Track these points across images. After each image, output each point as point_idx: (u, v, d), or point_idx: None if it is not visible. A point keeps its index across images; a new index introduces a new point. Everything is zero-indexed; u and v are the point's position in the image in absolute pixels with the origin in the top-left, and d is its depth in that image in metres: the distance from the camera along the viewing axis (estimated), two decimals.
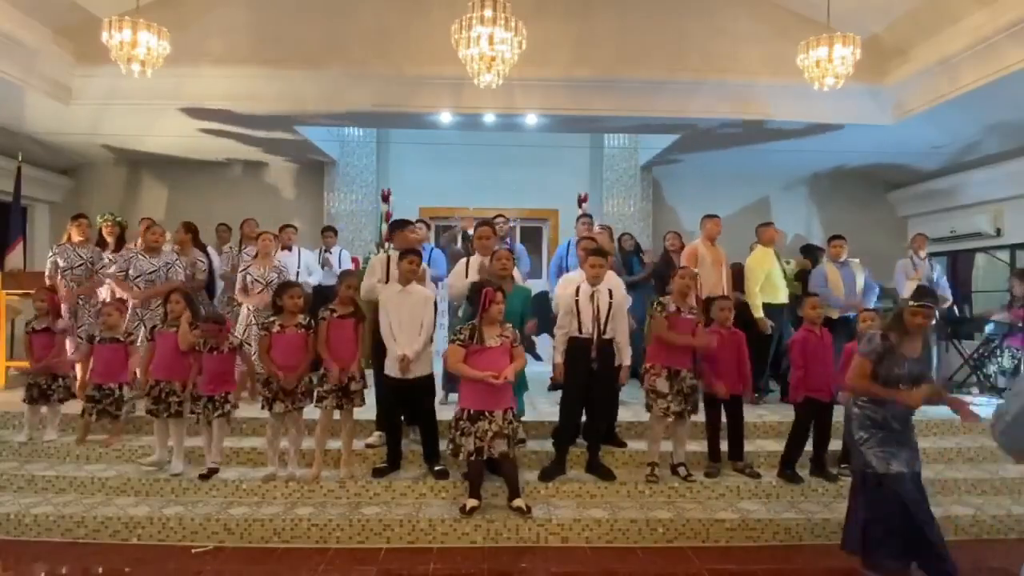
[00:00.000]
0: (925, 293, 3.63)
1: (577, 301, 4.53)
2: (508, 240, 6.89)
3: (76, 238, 6.12)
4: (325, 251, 7.57)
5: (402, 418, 4.66)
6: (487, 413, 4.05)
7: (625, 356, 4.66)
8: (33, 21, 5.68)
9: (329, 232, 7.78)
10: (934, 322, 3.57)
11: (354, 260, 8.07)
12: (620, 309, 4.64)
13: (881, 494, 3.49)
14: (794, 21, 6.29)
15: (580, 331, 4.51)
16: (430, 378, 4.58)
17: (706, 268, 6.02)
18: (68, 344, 5.37)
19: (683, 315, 4.59)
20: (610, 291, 4.57)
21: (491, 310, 4.13)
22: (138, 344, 5.20)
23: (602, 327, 4.50)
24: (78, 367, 5.37)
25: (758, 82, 6.45)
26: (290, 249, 6.83)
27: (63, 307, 5.51)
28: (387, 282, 4.84)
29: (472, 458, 4.09)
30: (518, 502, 4.17)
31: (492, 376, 4.01)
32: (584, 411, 4.67)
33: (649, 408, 4.59)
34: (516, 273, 5.06)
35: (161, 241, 5.95)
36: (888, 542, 3.45)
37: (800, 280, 6.72)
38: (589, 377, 4.49)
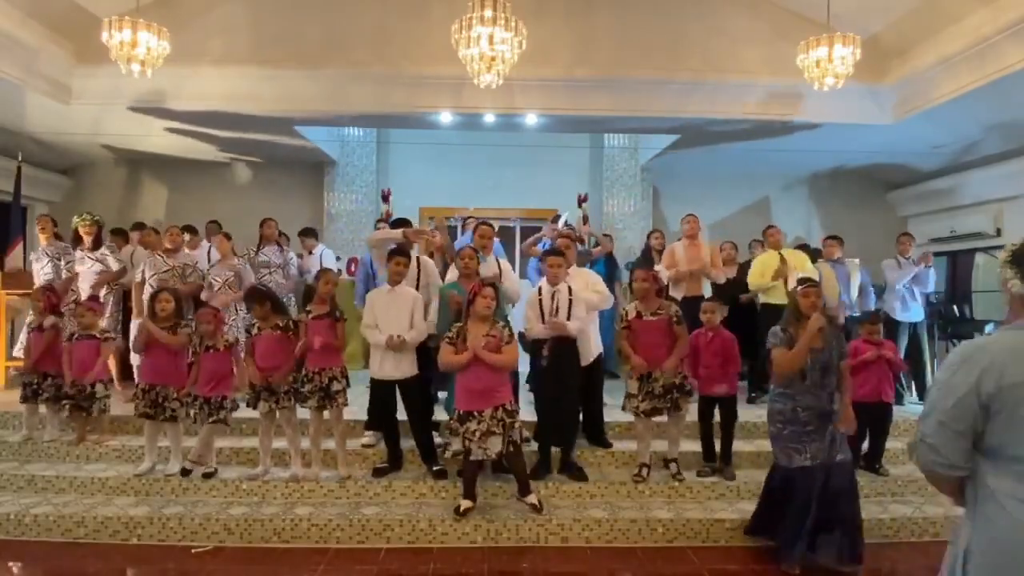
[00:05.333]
0: (806, 278, 4.05)
1: (540, 301, 4.54)
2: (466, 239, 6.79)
3: (42, 241, 6.16)
4: (308, 253, 7.28)
5: (397, 417, 4.62)
6: (475, 413, 4.01)
7: (591, 351, 4.73)
8: (33, 21, 5.67)
9: (305, 234, 7.38)
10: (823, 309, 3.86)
11: (353, 260, 8.03)
12: (579, 306, 4.57)
13: (781, 483, 3.73)
14: (794, 21, 6.29)
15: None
16: (417, 379, 4.53)
17: (683, 267, 6.05)
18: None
19: (645, 318, 4.53)
20: (569, 288, 4.57)
21: (475, 304, 4.07)
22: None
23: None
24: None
25: (758, 82, 6.44)
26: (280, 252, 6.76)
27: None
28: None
29: (461, 458, 4.06)
30: (531, 499, 4.19)
31: (465, 356, 3.98)
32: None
33: (623, 408, 4.66)
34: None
35: (179, 243, 5.98)
36: (772, 520, 3.74)
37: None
38: (553, 375, 4.47)
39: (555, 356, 4.48)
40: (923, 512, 4.38)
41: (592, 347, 4.85)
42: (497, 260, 5.05)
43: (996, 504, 1.60)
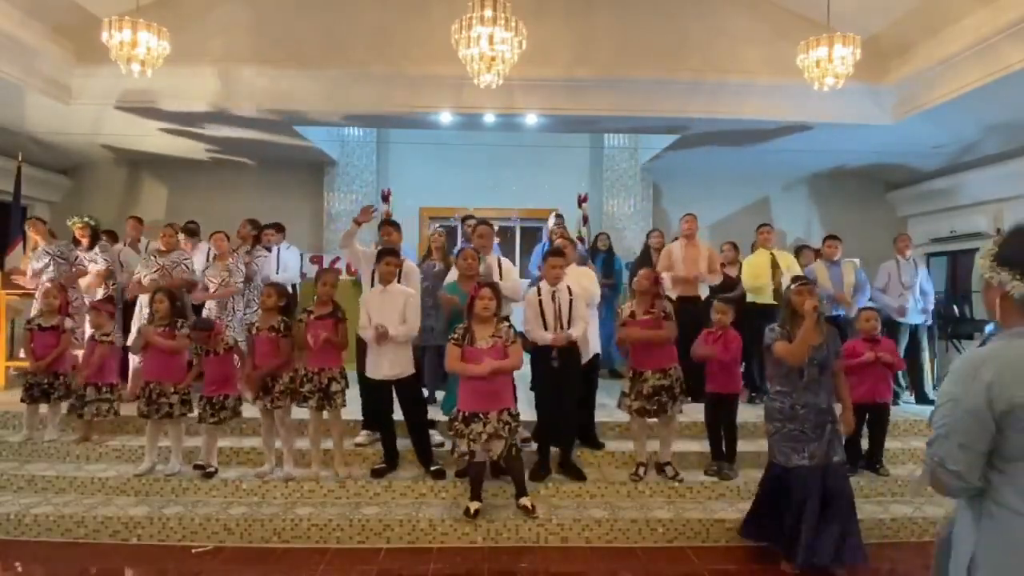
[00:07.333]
0: (800, 277, 4.10)
1: (540, 302, 4.52)
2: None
3: (39, 242, 6.19)
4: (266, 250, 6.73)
5: (393, 417, 4.60)
6: (481, 415, 4.00)
7: (587, 351, 4.69)
8: (33, 21, 5.67)
9: (269, 230, 6.88)
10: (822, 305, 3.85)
11: (315, 259, 8.06)
12: (580, 306, 4.56)
13: (777, 483, 3.73)
14: (794, 21, 6.29)
15: (545, 330, 4.50)
16: (413, 378, 4.54)
17: (680, 268, 6.05)
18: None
19: (639, 317, 4.54)
20: (569, 288, 4.56)
21: (475, 306, 4.08)
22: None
23: (564, 325, 4.47)
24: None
25: (758, 82, 6.44)
26: (269, 249, 6.68)
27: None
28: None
29: (466, 459, 4.07)
30: (524, 501, 4.18)
31: (480, 369, 3.94)
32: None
33: (618, 406, 4.68)
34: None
35: (172, 244, 6.00)
36: (768, 520, 3.76)
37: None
38: (555, 376, 4.45)
39: (561, 357, 4.46)
40: (923, 512, 4.37)
41: (590, 347, 4.84)
42: (498, 259, 5.05)
43: (1009, 512, 1.56)
